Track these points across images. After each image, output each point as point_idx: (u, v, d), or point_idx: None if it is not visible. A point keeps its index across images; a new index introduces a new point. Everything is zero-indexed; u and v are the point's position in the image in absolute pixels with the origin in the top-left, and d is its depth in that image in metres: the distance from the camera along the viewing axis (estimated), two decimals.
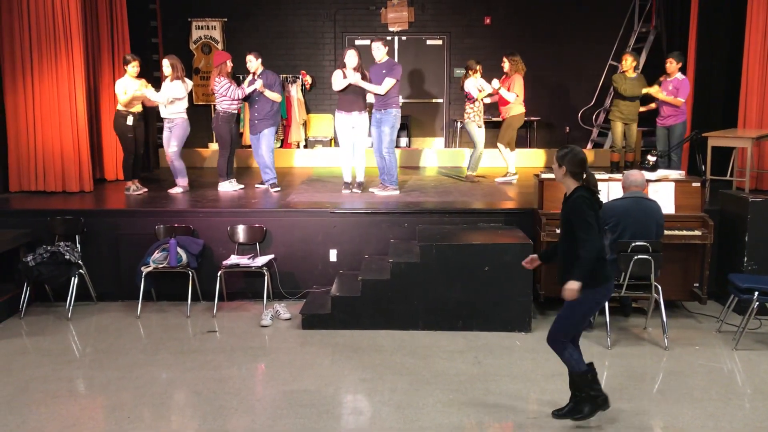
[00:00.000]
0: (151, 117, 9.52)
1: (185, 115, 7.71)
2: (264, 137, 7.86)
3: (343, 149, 7.73)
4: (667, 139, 8.08)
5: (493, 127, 9.83)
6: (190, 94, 10.78)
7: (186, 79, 7.73)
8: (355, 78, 7.37)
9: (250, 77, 7.95)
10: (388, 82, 7.42)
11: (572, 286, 3.97)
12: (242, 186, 8.18)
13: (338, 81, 7.47)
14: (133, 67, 7.57)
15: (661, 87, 8.08)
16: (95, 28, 8.50)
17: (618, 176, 6.26)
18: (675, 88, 7.94)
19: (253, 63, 7.84)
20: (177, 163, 7.80)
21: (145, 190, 7.85)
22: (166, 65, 7.62)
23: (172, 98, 7.54)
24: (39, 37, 7.49)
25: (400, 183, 7.95)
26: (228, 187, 8.00)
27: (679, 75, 7.98)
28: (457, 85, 11.28)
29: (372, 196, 7.58)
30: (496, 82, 8.55)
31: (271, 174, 7.94)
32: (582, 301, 4.04)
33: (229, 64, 7.90)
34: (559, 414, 4.25)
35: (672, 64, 7.96)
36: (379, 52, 7.53)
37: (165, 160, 9.97)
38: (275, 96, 7.84)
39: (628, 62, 8.32)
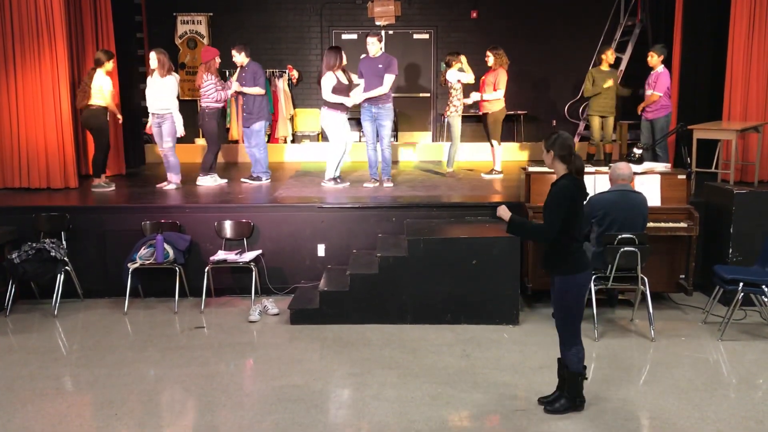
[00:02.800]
0: (139, 112, 9.51)
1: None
2: (254, 132, 7.91)
3: (341, 147, 7.76)
4: (650, 132, 8.14)
5: (470, 121, 9.82)
6: None
7: (173, 73, 7.66)
8: (362, 97, 7.52)
9: (239, 71, 7.96)
10: (389, 79, 7.48)
11: (505, 213, 4.24)
12: (225, 180, 8.17)
13: (329, 91, 7.49)
14: (112, 63, 7.71)
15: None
16: (79, 23, 8.41)
17: (604, 169, 6.29)
18: (653, 81, 7.96)
19: (238, 57, 7.83)
20: (172, 158, 7.74)
21: (113, 186, 7.80)
22: (153, 58, 7.50)
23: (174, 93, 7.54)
24: (21, 31, 7.42)
25: None
26: (209, 182, 8.00)
27: (659, 68, 7.99)
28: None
29: (359, 190, 7.58)
30: (476, 95, 8.53)
31: (260, 167, 8.02)
32: (567, 290, 4.18)
33: (218, 60, 7.89)
34: (542, 401, 4.39)
35: (653, 58, 7.98)
36: (374, 47, 7.54)
37: (152, 156, 9.99)
38: (255, 90, 7.83)
39: (609, 56, 8.59)
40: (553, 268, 4.23)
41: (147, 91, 7.67)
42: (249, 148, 8.12)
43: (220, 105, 7.94)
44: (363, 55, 7.85)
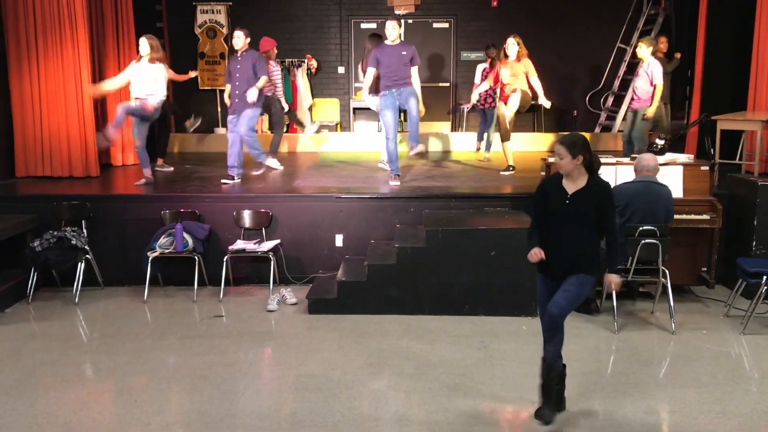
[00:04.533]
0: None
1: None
2: (245, 118, 7.35)
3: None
4: (633, 122, 7.82)
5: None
6: (195, 79, 10.84)
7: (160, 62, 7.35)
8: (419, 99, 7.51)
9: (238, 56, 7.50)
10: (417, 70, 7.50)
11: (617, 279, 4.06)
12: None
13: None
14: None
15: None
16: (100, 13, 8.46)
17: (625, 160, 6.23)
18: (648, 72, 7.52)
19: (241, 40, 7.34)
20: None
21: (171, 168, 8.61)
22: (144, 44, 7.19)
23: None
24: (44, 22, 7.48)
25: (406, 168, 7.94)
26: (276, 164, 8.29)
27: (651, 59, 7.53)
28: (465, 68, 11.24)
29: (378, 180, 7.57)
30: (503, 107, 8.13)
31: (259, 151, 7.70)
32: (585, 287, 4.02)
33: (275, 50, 8.47)
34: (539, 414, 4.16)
35: (642, 49, 7.54)
36: (395, 31, 7.23)
37: (172, 146, 10.02)
38: (261, 82, 7.39)
39: (662, 45, 8.50)
40: (587, 268, 3.99)
41: (132, 76, 7.32)
42: (233, 135, 7.56)
43: (281, 90, 8.48)
44: (374, 46, 7.57)
